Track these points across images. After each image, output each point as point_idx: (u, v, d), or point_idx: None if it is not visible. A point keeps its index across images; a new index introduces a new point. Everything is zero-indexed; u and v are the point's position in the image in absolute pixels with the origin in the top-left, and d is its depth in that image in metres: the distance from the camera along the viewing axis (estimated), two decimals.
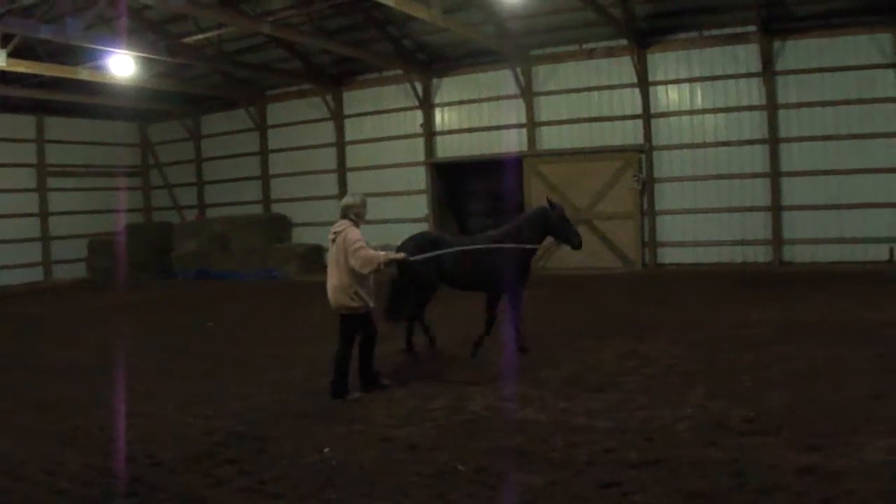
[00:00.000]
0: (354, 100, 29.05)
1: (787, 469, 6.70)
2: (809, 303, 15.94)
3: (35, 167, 30.90)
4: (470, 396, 9.79)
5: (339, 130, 29.36)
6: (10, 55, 20.15)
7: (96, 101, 29.17)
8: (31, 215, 30.62)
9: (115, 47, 21.68)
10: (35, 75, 23.85)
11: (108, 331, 17.34)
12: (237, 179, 32.30)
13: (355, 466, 7.49)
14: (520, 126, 25.66)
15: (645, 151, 23.62)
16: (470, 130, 26.83)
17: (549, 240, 12.42)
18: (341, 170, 29.35)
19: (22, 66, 21.71)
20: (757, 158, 22.33)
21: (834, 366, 10.34)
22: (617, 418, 8.54)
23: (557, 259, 23.35)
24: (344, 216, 10.27)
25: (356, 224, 10.18)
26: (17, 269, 29.61)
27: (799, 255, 22.09)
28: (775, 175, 22.02)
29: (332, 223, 10.41)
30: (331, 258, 10.26)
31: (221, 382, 11.53)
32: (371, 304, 10.19)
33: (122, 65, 23.02)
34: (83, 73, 23.90)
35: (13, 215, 29.75)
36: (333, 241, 10.15)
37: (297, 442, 8.35)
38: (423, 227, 25.74)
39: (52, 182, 31.28)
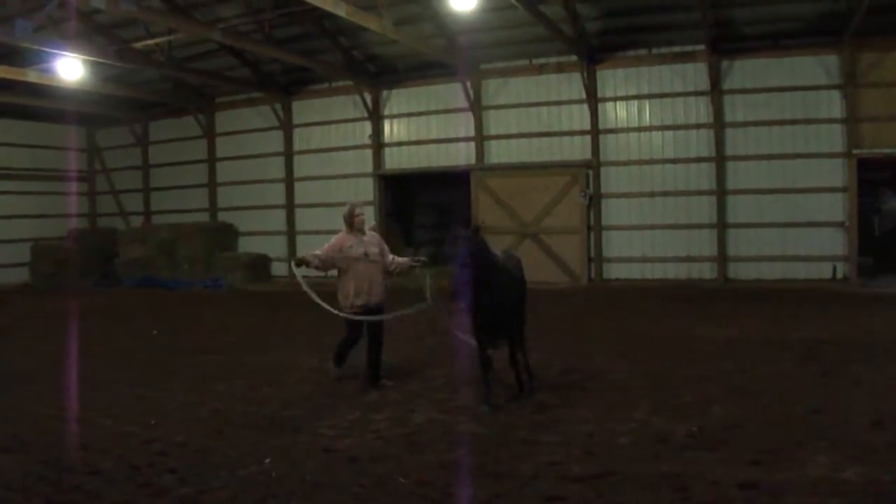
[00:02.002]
0: (304, 109, 28.75)
1: (729, 484, 6.69)
2: (753, 319, 15.97)
3: None
4: (414, 408, 9.71)
5: (288, 140, 29.01)
6: None
7: (44, 104, 28.49)
8: None
9: (63, 50, 21.35)
10: None
11: (49, 337, 16.95)
12: (184, 187, 31.74)
13: (296, 478, 7.37)
14: (468, 139, 25.46)
15: (592, 167, 23.52)
16: (418, 143, 26.60)
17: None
18: (289, 179, 28.98)
19: None
20: (703, 176, 22.36)
21: (777, 382, 10.38)
22: (561, 432, 8.46)
23: None
24: None
25: (348, 230, 11.05)
26: None
27: (744, 272, 22.16)
28: (721, 192, 22.06)
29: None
30: None
31: (164, 391, 11.31)
32: (347, 304, 10.96)
33: (70, 68, 22.72)
34: (31, 76, 23.46)
35: None
36: None
37: (239, 452, 8.19)
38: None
39: None
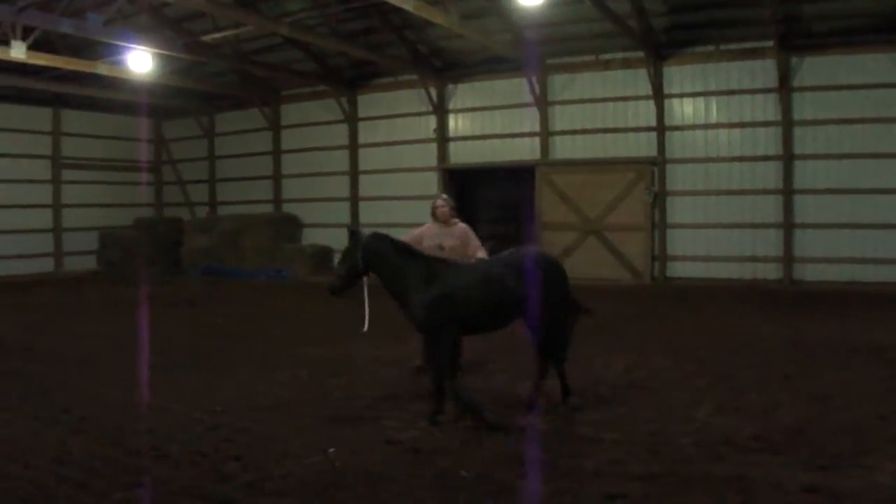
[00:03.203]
0: (369, 103, 29.02)
1: (793, 488, 6.61)
2: (820, 322, 15.74)
3: (50, 159, 31.09)
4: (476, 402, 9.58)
5: (353, 133, 29.33)
6: (30, 48, 20.16)
7: (112, 96, 29.21)
8: (45, 206, 30.83)
9: (133, 43, 21.72)
10: (53, 68, 23.92)
11: (117, 323, 17.35)
12: (249, 178, 32.34)
13: (359, 468, 7.46)
14: (533, 135, 25.51)
15: (658, 164, 23.42)
16: (483, 137, 26.70)
17: None
18: (353, 172, 29.33)
19: (41, 59, 21.76)
20: (770, 175, 22.06)
21: (843, 386, 10.19)
22: (623, 430, 8.44)
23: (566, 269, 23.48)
24: None
25: (433, 221, 11.25)
26: (30, 258, 29.87)
27: (810, 273, 21.79)
28: (788, 192, 21.77)
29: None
30: None
31: (229, 379, 11.57)
32: None
33: (139, 61, 23.04)
34: (101, 68, 23.97)
35: (27, 206, 30.07)
36: None
37: (302, 441, 8.34)
38: None
39: (66, 174, 31.46)
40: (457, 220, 11.24)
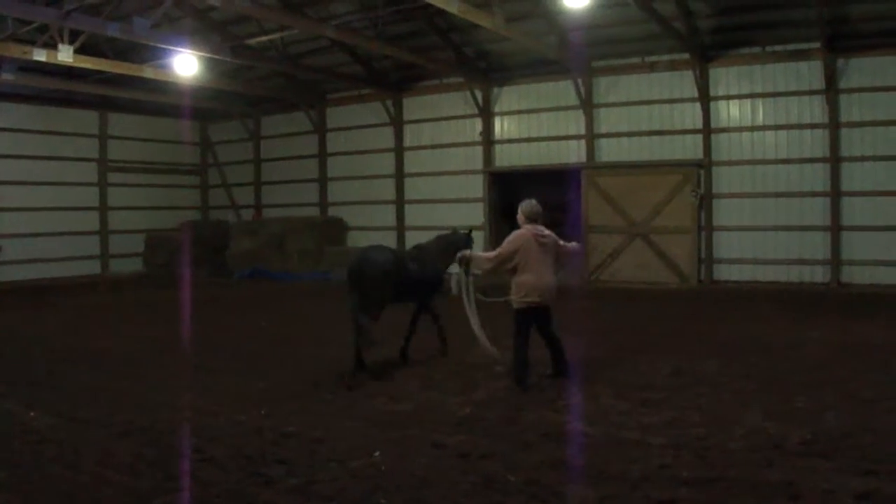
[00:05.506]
0: (414, 106, 29.55)
1: (843, 493, 6.67)
2: (868, 325, 15.78)
3: (97, 162, 31.80)
4: (523, 406, 9.87)
5: (398, 136, 29.88)
6: (77, 51, 20.83)
7: (158, 99, 29.95)
8: (91, 209, 31.57)
9: (179, 47, 22.34)
10: (100, 72, 24.63)
11: (162, 325, 17.68)
12: (295, 181, 33.01)
13: (405, 472, 7.58)
14: (579, 137, 25.87)
15: (704, 166, 23.64)
16: (529, 140, 27.10)
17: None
18: (399, 175, 29.83)
19: (88, 63, 22.57)
20: (817, 177, 22.17)
21: (893, 390, 10.21)
22: (671, 435, 8.53)
23: (610, 272, 23.68)
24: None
25: None
26: (76, 260, 30.61)
27: (858, 276, 21.86)
28: (836, 194, 21.87)
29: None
30: (538, 257, 10.91)
31: (275, 382, 11.75)
32: None
33: (185, 64, 23.69)
34: (147, 72, 24.72)
35: (74, 208, 30.81)
36: (544, 242, 11.03)
37: (348, 445, 8.48)
38: (479, 234, 26.16)
39: (112, 177, 32.20)
40: (529, 224, 11.18)
